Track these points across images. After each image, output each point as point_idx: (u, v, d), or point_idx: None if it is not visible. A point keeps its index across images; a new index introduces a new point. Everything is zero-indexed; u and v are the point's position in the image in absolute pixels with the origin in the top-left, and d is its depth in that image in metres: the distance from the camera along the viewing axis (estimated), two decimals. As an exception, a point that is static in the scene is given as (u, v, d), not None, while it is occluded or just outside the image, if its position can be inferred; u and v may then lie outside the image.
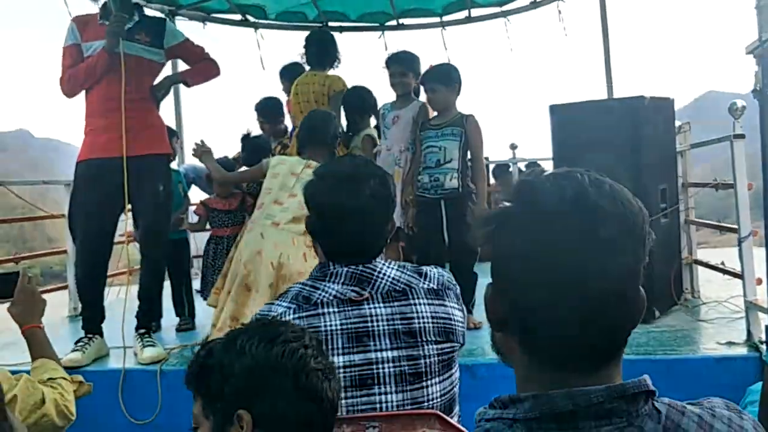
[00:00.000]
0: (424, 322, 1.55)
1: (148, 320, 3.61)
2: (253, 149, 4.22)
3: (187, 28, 5.35)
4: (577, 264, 0.75)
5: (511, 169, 7.01)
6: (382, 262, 1.63)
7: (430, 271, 1.66)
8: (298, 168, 3.35)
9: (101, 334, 3.47)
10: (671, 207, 3.79)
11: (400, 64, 3.97)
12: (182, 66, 3.98)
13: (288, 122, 4.71)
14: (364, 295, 1.56)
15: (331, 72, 4.27)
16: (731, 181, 3.36)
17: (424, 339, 1.54)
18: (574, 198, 0.77)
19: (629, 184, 0.84)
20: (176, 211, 4.09)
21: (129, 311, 3.44)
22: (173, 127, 4.70)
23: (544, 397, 0.77)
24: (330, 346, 1.50)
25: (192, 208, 4.48)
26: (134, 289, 3.72)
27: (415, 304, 1.56)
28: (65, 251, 4.84)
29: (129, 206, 3.50)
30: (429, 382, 1.54)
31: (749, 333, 3.11)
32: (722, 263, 3.89)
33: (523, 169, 6.80)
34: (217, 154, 4.12)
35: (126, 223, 3.62)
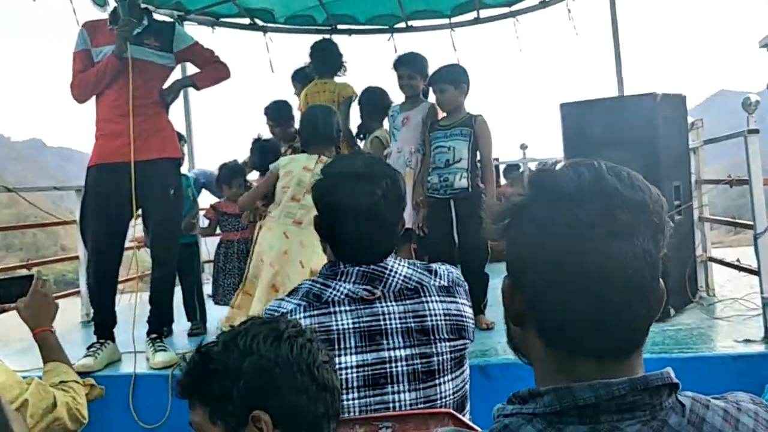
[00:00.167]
0: (436, 320, 1.53)
1: (159, 325, 3.61)
2: (261, 152, 4.20)
3: (195, 32, 5.37)
4: (597, 249, 0.74)
5: (521, 169, 6.99)
6: (393, 260, 1.61)
7: (440, 268, 1.64)
8: (311, 163, 3.37)
9: (113, 340, 3.47)
10: (685, 204, 3.75)
11: (408, 67, 3.96)
12: (191, 70, 3.98)
13: (298, 126, 4.70)
14: (376, 293, 1.54)
15: (338, 79, 4.30)
16: (746, 177, 3.31)
17: (437, 337, 1.52)
18: (593, 183, 0.77)
19: (642, 181, 0.83)
20: (186, 216, 4.09)
21: (140, 316, 3.44)
22: (182, 131, 4.71)
23: (564, 390, 0.75)
24: (342, 345, 1.49)
25: (202, 213, 4.48)
26: (145, 294, 3.72)
27: (427, 302, 1.55)
28: (77, 257, 4.85)
29: (138, 212, 3.49)
30: (442, 380, 1.52)
31: (767, 330, 3.07)
32: (737, 260, 3.84)
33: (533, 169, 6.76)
34: (227, 159, 4.10)
35: (135, 229, 3.61)
